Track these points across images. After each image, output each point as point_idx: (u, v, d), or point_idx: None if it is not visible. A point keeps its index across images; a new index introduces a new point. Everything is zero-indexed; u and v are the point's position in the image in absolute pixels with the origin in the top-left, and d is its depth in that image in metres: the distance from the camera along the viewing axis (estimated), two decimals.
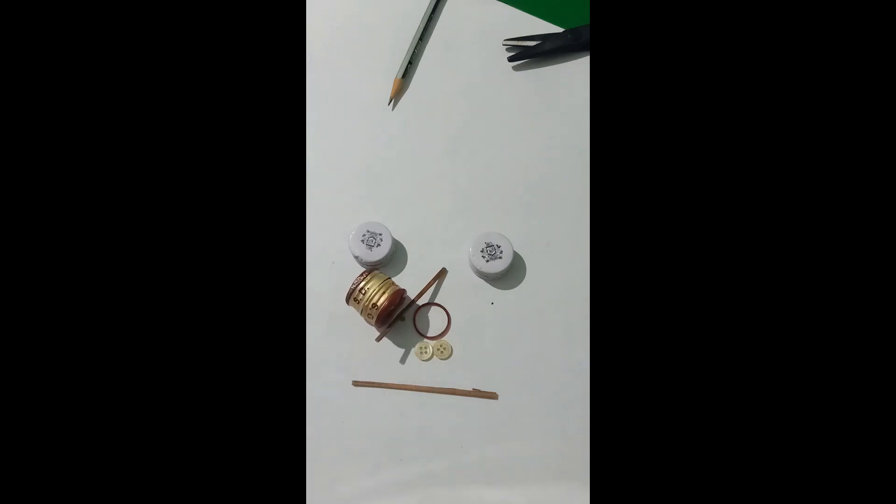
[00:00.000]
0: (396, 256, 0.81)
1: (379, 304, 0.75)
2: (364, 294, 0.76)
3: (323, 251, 0.81)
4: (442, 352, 0.78)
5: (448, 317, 0.80)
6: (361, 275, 0.76)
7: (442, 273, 0.75)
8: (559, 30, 0.88)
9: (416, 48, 0.87)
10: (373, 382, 0.78)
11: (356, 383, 0.78)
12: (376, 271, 0.78)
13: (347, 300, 0.77)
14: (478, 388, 0.78)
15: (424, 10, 0.88)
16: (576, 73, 0.87)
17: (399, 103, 0.87)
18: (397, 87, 0.86)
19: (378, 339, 0.78)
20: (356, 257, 0.80)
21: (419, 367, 0.78)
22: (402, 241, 0.82)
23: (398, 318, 0.78)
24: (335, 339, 0.79)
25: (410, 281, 0.80)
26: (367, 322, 0.78)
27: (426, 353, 0.78)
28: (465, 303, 0.80)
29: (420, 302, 0.80)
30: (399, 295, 0.77)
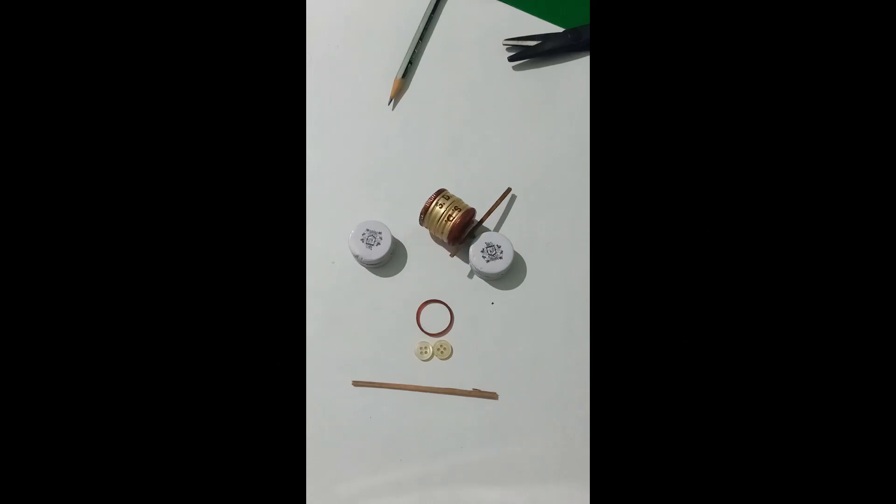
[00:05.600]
0: (396, 255, 0.81)
1: (448, 227, 0.77)
2: (434, 214, 0.78)
3: (323, 250, 0.81)
4: (442, 352, 0.79)
5: (451, 314, 0.80)
6: (432, 196, 0.78)
7: (507, 192, 0.80)
8: (559, 29, 0.88)
9: (416, 48, 0.87)
10: (373, 382, 0.78)
11: (356, 383, 0.78)
12: (445, 191, 0.79)
13: (420, 221, 0.79)
14: (478, 388, 0.78)
15: (425, 10, 0.88)
16: (576, 73, 0.87)
17: (399, 103, 0.87)
18: (397, 86, 0.86)
19: (452, 255, 0.80)
20: (356, 256, 0.80)
21: (419, 367, 0.78)
22: (401, 240, 0.82)
23: (468, 235, 0.80)
24: (335, 339, 0.79)
25: (416, 274, 0.81)
26: (438, 242, 0.81)
27: (426, 352, 0.78)
28: (465, 303, 0.80)
29: (487, 224, 0.83)
30: (470, 213, 0.79)
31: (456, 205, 0.78)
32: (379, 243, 0.79)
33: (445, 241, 0.80)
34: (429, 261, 0.81)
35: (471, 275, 0.81)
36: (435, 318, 0.80)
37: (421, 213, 0.79)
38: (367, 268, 0.81)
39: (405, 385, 0.78)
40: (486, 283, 0.81)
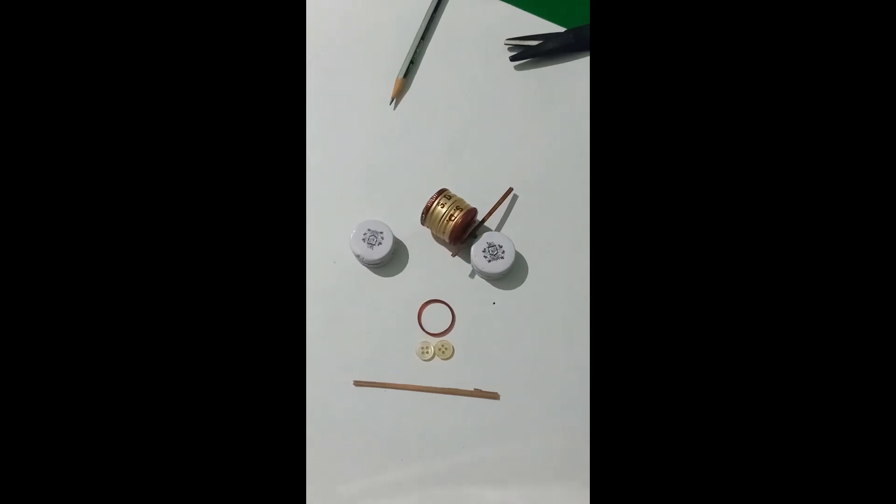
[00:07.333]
0: (397, 255, 0.81)
1: (449, 227, 0.78)
2: (436, 214, 0.78)
3: (323, 250, 0.81)
4: (443, 352, 0.78)
5: (452, 314, 0.80)
6: (433, 196, 0.78)
7: (508, 192, 0.81)
8: (561, 29, 0.88)
9: (417, 48, 0.87)
10: (374, 382, 0.78)
11: (357, 383, 0.78)
12: (446, 191, 0.79)
13: (422, 221, 0.79)
14: (479, 388, 0.78)
15: (426, 10, 0.88)
16: (577, 72, 0.87)
17: (401, 103, 0.87)
18: (399, 86, 0.86)
19: (453, 255, 0.81)
20: (357, 256, 0.80)
21: (420, 367, 0.78)
22: (402, 240, 0.82)
23: (470, 235, 0.80)
24: (335, 339, 0.79)
25: (417, 274, 0.81)
26: (440, 242, 0.81)
27: (427, 353, 0.78)
28: (466, 303, 0.80)
29: (489, 224, 0.83)
30: (471, 213, 0.79)
31: (457, 204, 0.78)
32: (380, 243, 0.79)
33: (447, 240, 0.80)
34: (430, 261, 0.81)
35: (472, 275, 0.81)
36: (436, 317, 0.80)
37: (422, 213, 0.79)
38: (368, 267, 0.81)
39: (406, 385, 0.78)
40: (488, 283, 0.81)
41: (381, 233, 0.79)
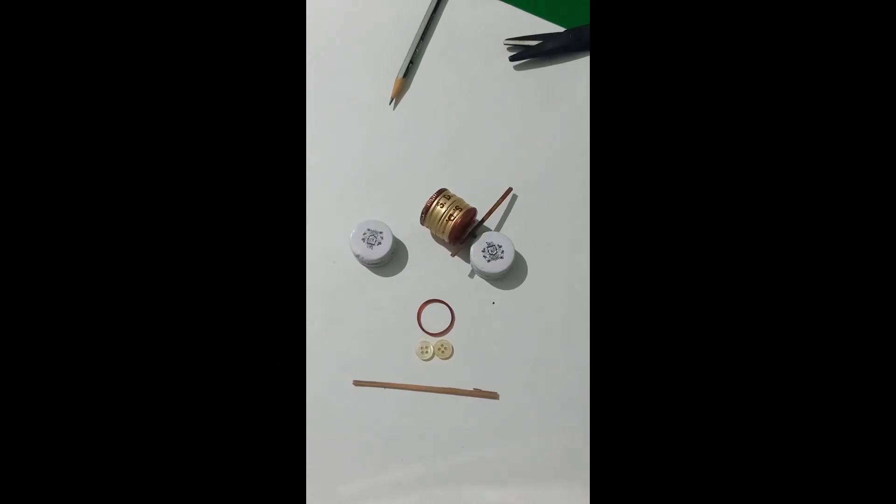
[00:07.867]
0: (397, 255, 0.81)
1: (448, 227, 0.78)
2: (435, 213, 0.78)
3: (323, 250, 0.81)
4: (443, 351, 0.78)
5: (452, 313, 0.80)
6: (433, 196, 0.78)
7: (508, 192, 0.81)
8: (560, 29, 0.88)
9: (417, 47, 0.87)
10: (373, 382, 0.78)
11: (357, 383, 0.78)
12: (446, 190, 0.79)
13: (421, 221, 0.79)
14: (479, 388, 0.78)
15: (426, 10, 0.88)
16: (577, 72, 0.87)
17: (400, 103, 0.87)
18: (398, 86, 0.86)
19: (453, 255, 0.81)
20: (357, 255, 0.80)
21: (420, 367, 0.78)
22: (402, 240, 0.82)
23: (469, 235, 0.80)
24: (335, 339, 0.79)
25: (417, 274, 0.81)
26: (439, 241, 0.81)
27: (427, 352, 0.78)
28: (466, 302, 0.80)
29: (488, 224, 0.83)
30: (471, 213, 0.80)
31: (457, 204, 0.78)
32: (380, 243, 0.79)
33: (446, 240, 0.80)
34: (430, 260, 0.81)
35: (472, 274, 0.81)
36: (436, 317, 0.80)
37: (422, 213, 0.79)
38: (367, 267, 0.81)
39: (406, 385, 0.78)
40: (487, 283, 0.81)
41: (381, 233, 0.79)
